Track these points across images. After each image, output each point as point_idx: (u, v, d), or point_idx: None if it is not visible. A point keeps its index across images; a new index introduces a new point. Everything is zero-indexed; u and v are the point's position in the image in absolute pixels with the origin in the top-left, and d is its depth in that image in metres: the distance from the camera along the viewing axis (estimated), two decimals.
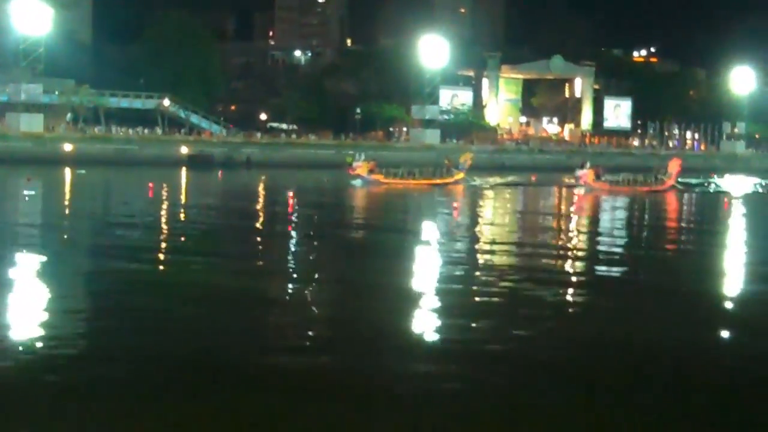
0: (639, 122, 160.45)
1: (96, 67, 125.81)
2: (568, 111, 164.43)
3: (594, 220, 47.37)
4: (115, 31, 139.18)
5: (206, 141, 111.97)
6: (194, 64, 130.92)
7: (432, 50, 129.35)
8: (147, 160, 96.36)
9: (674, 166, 77.34)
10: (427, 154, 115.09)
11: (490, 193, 68.65)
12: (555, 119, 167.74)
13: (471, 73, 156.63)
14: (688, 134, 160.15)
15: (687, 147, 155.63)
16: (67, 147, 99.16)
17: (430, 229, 39.03)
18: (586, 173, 73.42)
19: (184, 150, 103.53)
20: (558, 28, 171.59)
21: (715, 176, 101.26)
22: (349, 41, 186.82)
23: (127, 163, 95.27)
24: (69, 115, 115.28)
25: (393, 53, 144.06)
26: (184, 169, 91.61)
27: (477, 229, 40.56)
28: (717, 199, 67.72)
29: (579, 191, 70.40)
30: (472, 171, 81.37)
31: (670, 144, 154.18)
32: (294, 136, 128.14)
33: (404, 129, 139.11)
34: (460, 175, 76.99)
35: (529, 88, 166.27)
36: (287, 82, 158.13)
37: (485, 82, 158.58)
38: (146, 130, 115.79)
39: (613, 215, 51.51)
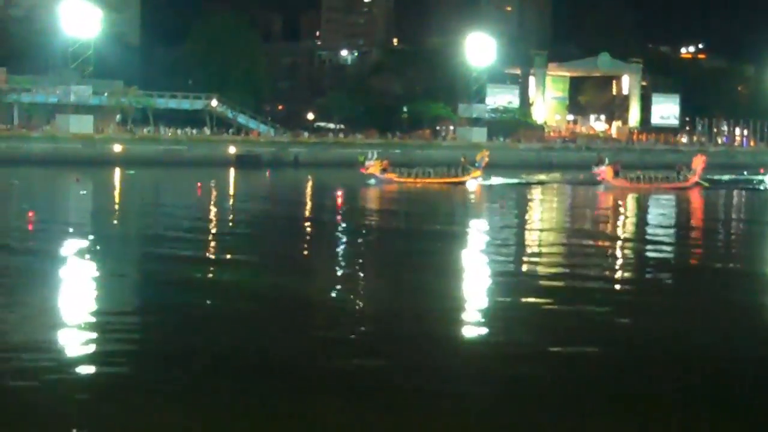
0: (687, 119, 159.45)
1: (144, 68, 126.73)
2: (616, 108, 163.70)
3: (641, 221, 46.99)
4: (163, 32, 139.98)
5: (254, 141, 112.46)
6: (241, 65, 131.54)
7: (478, 48, 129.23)
8: (195, 161, 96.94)
9: (698, 162, 74.82)
10: (469, 153, 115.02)
11: (511, 193, 67.07)
12: (602, 117, 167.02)
13: (518, 71, 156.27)
14: (737, 131, 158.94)
15: (736, 143, 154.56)
16: (117, 148, 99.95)
17: (476, 232, 39.03)
18: (604, 170, 71.12)
19: (232, 150, 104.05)
20: (605, 25, 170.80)
21: (764, 172, 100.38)
22: (395, 40, 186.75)
23: (175, 164, 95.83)
24: (118, 117, 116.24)
25: (439, 52, 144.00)
26: (232, 169, 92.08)
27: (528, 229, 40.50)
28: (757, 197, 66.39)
29: (598, 189, 68.24)
30: (501, 170, 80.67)
31: (719, 141, 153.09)
32: (341, 135, 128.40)
33: (451, 128, 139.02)
34: (477, 174, 75.15)
35: (576, 86, 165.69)
36: (334, 82, 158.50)
37: (532, 80, 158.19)
38: (194, 131, 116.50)
39: (657, 215, 51.04)
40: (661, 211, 51.67)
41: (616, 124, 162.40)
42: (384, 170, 73.05)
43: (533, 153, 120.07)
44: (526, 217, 47.59)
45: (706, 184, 73.28)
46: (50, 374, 13.84)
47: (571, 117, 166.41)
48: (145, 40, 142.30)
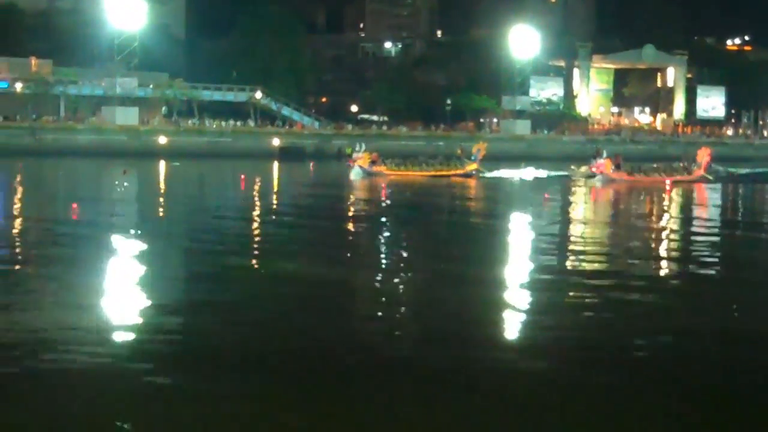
0: (733, 111, 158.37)
1: (189, 60, 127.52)
2: (660, 100, 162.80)
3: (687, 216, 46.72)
4: (208, 24, 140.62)
5: (298, 133, 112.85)
6: (285, 57, 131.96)
7: (522, 41, 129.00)
8: (239, 152, 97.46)
9: (703, 155, 72.13)
10: (518, 145, 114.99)
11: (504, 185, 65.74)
12: (647, 109, 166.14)
13: (562, 64, 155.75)
14: None
15: None
16: (162, 140, 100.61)
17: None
18: (603, 163, 68.07)
19: (276, 142, 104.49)
20: (650, 17, 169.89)
21: None
22: (439, 32, 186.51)
23: (219, 156, 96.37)
24: (163, 109, 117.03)
25: (483, 44, 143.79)
26: (275, 161, 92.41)
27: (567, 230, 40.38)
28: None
29: (595, 183, 65.96)
30: (544, 162, 79.25)
31: (765, 133, 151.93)
32: (384, 127, 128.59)
33: (494, 120, 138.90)
34: (473, 166, 72.20)
35: (620, 78, 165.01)
36: (377, 74, 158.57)
37: (576, 72, 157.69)
38: (239, 123, 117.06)
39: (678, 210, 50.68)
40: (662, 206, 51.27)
41: (661, 116, 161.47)
42: (373, 162, 70.65)
43: (577, 145, 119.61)
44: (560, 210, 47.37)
45: (711, 178, 70.81)
46: (95, 363, 14.03)
47: (615, 109, 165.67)
48: (190, 32, 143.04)
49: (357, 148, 72.27)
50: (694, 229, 37.67)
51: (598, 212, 46.36)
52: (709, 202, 54.49)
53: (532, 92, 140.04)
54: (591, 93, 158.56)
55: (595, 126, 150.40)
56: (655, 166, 72.20)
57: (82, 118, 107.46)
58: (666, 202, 52.61)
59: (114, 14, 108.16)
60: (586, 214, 44.55)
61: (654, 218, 42.31)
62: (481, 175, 71.12)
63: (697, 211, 47.97)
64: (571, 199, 54.37)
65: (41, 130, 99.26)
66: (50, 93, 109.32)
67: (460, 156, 74.02)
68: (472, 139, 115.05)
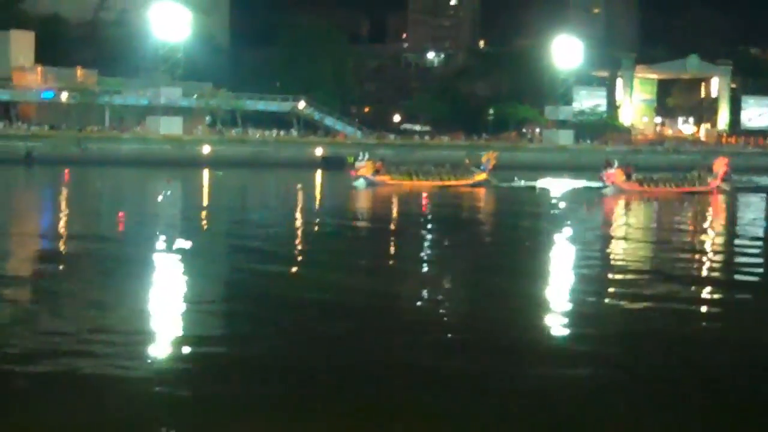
0: None
1: (233, 70, 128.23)
2: (704, 111, 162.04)
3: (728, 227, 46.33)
4: (251, 34, 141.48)
5: (340, 143, 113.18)
6: (328, 67, 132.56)
7: (566, 51, 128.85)
8: (282, 162, 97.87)
9: (720, 165, 70.05)
10: (560, 155, 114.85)
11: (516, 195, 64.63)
12: (690, 119, 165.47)
13: (605, 74, 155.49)
14: None
15: None
16: (205, 149, 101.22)
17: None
18: (614, 173, 66.01)
19: (319, 152, 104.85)
20: (694, 27, 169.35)
21: None
22: (481, 42, 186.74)
23: (263, 165, 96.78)
24: (207, 118, 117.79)
25: (526, 54, 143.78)
26: (318, 170, 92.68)
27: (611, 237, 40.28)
28: None
29: (606, 193, 64.03)
30: (587, 173, 76.78)
31: None
32: (427, 137, 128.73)
33: (537, 130, 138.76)
34: (482, 176, 70.28)
35: (664, 88, 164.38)
36: (420, 84, 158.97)
37: (619, 82, 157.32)
38: (281, 132, 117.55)
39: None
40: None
41: (705, 126, 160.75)
42: (377, 172, 68.72)
43: (620, 156, 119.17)
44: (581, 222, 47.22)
45: (727, 188, 68.81)
46: (134, 368, 14.25)
47: (658, 119, 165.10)
48: (233, 42, 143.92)
49: (360, 157, 69.88)
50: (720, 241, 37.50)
51: (629, 225, 46.19)
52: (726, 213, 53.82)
53: (575, 102, 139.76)
54: (634, 103, 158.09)
55: (639, 136, 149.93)
56: (666, 176, 70.23)
57: (126, 127, 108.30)
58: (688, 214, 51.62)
59: (159, 25, 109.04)
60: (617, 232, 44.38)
61: (682, 231, 42.11)
62: (494, 184, 69.60)
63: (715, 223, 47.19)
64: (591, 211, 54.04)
65: (86, 140, 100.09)
66: (95, 103, 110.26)
67: (468, 166, 72.65)
68: (516, 149, 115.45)
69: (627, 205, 55.04)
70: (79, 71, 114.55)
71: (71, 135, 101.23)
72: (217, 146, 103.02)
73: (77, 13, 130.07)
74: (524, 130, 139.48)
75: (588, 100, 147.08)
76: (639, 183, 67.14)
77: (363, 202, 55.50)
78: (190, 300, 20.02)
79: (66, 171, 77.10)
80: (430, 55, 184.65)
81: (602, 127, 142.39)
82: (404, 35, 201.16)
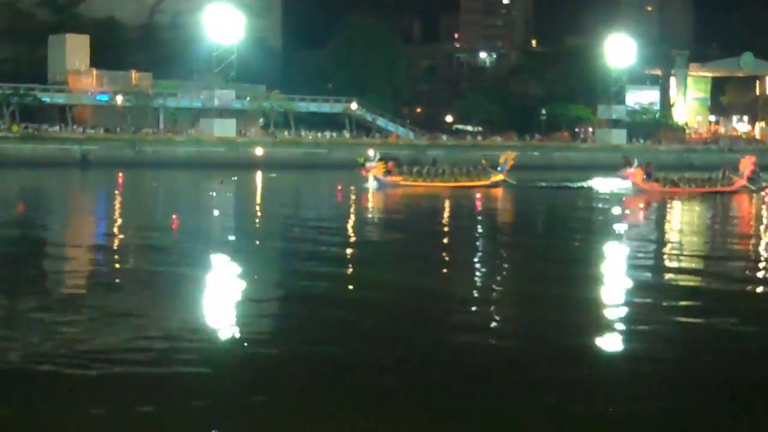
0: None
1: (286, 72, 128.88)
2: (759, 109, 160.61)
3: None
4: (304, 36, 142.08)
5: (393, 144, 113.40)
6: (381, 68, 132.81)
7: (618, 49, 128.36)
8: (335, 164, 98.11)
9: (746, 164, 67.83)
10: (613, 155, 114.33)
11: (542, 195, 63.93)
12: (745, 117, 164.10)
13: (658, 72, 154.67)
14: None
15: None
16: (259, 151, 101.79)
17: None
18: (633, 172, 64.25)
19: (371, 153, 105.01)
20: (748, 24, 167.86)
21: None
22: (534, 42, 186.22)
23: (315, 167, 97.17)
24: (261, 120, 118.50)
25: (578, 53, 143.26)
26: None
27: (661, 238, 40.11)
28: None
29: (626, 193, 62.72)
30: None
31: None
32: (479, 137, 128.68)
33: (590, 129, 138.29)
34: (499, 177, 68.50)
35: (718, 86, 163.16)
36: (472, 84, 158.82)
37: (673, 80, 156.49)
38: (334, 134, 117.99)
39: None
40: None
41: (760, 125, 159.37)
42: (388, 172, 67.06)
43: (674, 155, 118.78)
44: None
45: (753, 188, 66.16)
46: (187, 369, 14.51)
47: (713, 118, 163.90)
48: (286, 44, 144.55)
49: (371, 157, 68.62)
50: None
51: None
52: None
53: (629, 101, 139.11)
54: (688, 101, 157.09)
55: (692, 135, 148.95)
56: (687, 176, 67.84)
57: (180, 130, 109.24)
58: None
59: (212, 28, 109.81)
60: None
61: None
62: (511, 183, 68.28)
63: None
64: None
65: (141, 142, 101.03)
66: (150, 105, 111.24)
67: (485, 166, 70.52)
68: (569, 149, 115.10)
69: (648, 206, 53.70)
70: (134, 74, 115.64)
71: (126, 138, 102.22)
72: (269, 148, 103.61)
73: (132, 17, 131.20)
74: (577, 130, 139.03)
75: (641, 99, 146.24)
76: (660, 183, 65.12)
77: (409, 203, 55.55)
78: (247, 299, 20.23)
79: (120, 174, 77.81)
80: (483, 54, 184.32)
81: (655, 126, 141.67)
82: (456, 35, 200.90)
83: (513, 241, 35.35)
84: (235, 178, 73.95)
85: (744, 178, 67.03)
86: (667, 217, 47.52)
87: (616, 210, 49.40)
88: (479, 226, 41.21)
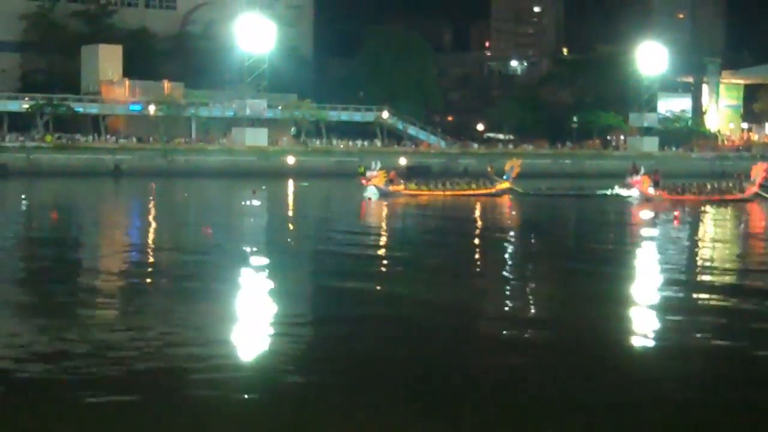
0: None
1: (317, 81, 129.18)
2: None
3: None
4: (335, 45, 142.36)
5: (424, 152, 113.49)
6: (412, 76, 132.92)
7: (650, 57, 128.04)
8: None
9: (758, 171, 66.29)
10: (645, 162, 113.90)
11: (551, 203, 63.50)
12: None
13: (690, 79, 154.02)
14: None
15: None
16: (290, 160, 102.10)
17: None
18: (639, 180, 63.56)
19: (403, 161, 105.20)
20: None
21: None
22: (565, 50, 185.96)
23: (347, 175, 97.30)
24: (292, 129, 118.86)
25: (610, 61, 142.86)
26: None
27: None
28: None
29: (633, 201, 61.62)
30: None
31: None
32: (510, 145, 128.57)
33: (622, 137, 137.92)
34: (505, 185, 68.06)
35: (750, 93, 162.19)
36: (503, 92, 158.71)
37: (705, 87, 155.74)
38: (366, 142, 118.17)
39: None
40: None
41: None
42: (390, 181, 66.85)
43: (706, 162, 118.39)
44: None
45: (767, 195, 64.73)
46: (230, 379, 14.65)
47: (745, 125, 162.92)
48: (317, 53, 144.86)
49: (373, 166, 68.03)
50: None
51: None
52: None
53: (660, 108, 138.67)
54: (720, 109, 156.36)
55: (725, 142, 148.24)
56: (697, 183, 67.21)
57: (212, 139, 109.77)
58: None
59: (244, 37, 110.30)
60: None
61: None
62: (519, 192, 67.64)
63: None
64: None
65: (173, 152, 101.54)
66: (182, 115, 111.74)
67: (490, 174, 70.60)
68: (600, 157, 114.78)
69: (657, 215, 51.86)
70: (166, 84, 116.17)
71: (158, 147, 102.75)
72: (301, 157, 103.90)
73: (164, 27, 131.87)
74: (608, 138, 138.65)
75: (673, 106, 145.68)
76: (668, 191, 64.49)
77: (442, 212, 55.64)
78: (278, 322, 20.23)
79: (153, 183, 78.25)
80: (514, 63, 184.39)
81: (688, 134, 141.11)
82: (487, 43, 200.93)
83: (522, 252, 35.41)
84: (264, 187, 73.98)
85: (756, 186, 65.87)
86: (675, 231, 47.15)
87: (626, 220, 49.37)
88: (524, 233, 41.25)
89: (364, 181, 67.40)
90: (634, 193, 63.69)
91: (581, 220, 52.49)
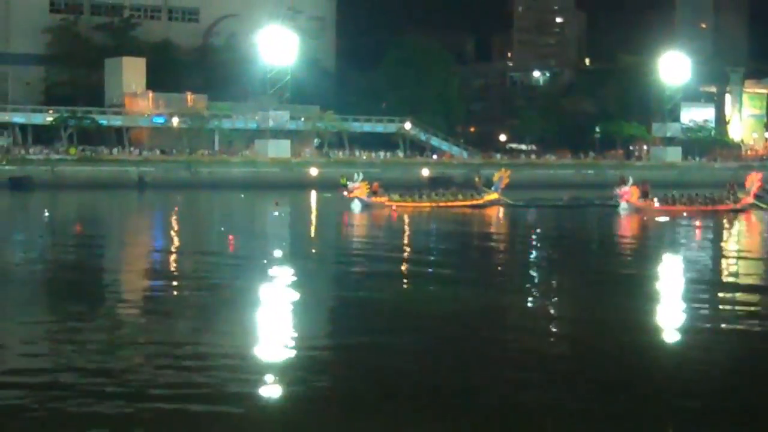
0: None
1: (340, 92, 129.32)
2: None
3: None
4: (357, 57, 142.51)
5: (446, 163, 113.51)
6: (434, 87, 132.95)
7: (673, 66, 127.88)
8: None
9: (753, 180, 65.79)
10: (669, 173, 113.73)
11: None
12: None
13: (713, 89, 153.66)
14: None
15: None
16: (313, 171, 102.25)
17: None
18: (628, 191, 62.37)
19: (425, 172, 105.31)
20: None
21: None
22: (587, 60, 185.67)
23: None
24: (315, 141, 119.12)
25: (632, 70, 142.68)
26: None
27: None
28: None
29: (620, 212, 60.95)
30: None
31: None
32: (533, 156, 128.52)
33: (644, 147, 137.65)
34: (493, 196, 66.79)
35: None
36: (526, 103, 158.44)
37: (728, 97, 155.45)
38: (388, 153, 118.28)
39: None
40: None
41: None
42: (374, 193, 65.85)
43: (730, 172, 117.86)
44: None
45: (764, 206, 63.82)
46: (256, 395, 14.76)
47: None
48: (340, 65, 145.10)
49: (355, 178, 66.83)
50: None
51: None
52: None
53: (683, 118, 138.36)
54: (743, 118, 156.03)
55: (749, 152, 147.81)
56: (689, 193, 65.94)
57: (235, 151, 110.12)
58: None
59: (266, 49, 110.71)
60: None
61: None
62: (508, 203, 66.37)
63: None
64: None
65: (197, 164, 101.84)
66: (205, 127, 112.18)
67: (478, 185, 69.42)
68: (624, 166, 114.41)
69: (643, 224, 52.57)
70: (189, 96, 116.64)
71: (182, 159, 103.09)
72: (324, 168, 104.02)
73: (187, 39, 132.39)
74: (631, 148, 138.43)
75: (696, 116, 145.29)
76: (657, 202, 63.37)
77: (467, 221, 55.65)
78: (305, 336, 20.34)
79: (177, 195, 78.49)
80: (536, 73, 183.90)
81: (711, 144, 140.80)
82: (509, 54, 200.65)
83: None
84: (276, 203, 74.22)
85: (751, 196, 65.14)
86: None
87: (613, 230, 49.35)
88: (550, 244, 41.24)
89: (345, 193, 66.38)
90: (623, 204, 62.36)
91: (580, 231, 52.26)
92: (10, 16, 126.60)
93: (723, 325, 20.59)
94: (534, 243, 42.64)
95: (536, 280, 29.05)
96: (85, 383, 15.03)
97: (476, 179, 71.03)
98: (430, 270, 31.14)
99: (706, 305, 23.56)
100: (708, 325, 20.52)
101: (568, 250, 39.77)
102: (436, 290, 26.10)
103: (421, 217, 58.17)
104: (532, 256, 37.10)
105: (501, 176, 68.64)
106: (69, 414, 13.52)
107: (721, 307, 23.72)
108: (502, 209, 64.52)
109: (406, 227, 50.89)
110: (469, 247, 41.44)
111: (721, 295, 25.47)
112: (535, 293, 26.14)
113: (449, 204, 65.19)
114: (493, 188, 67.99)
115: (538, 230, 49.66)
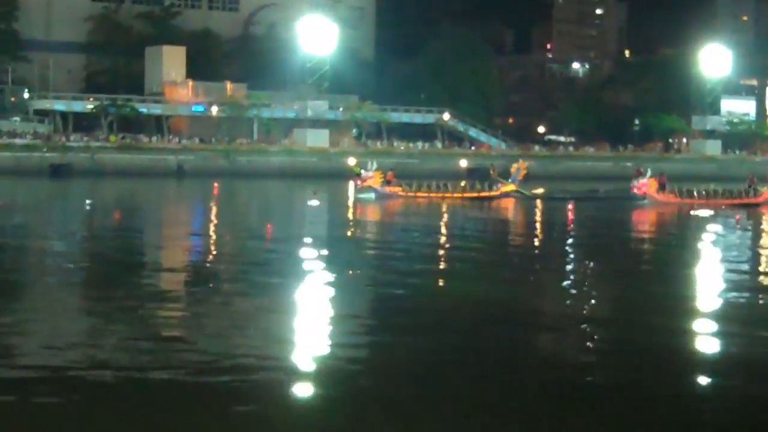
0: None
1: (378, 83, 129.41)
2: None
3: None
4: (396, 47, 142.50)
5: (485, 154, 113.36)
6: (473, 78, 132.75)
7: (713, 59, 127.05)
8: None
9: None
10: (708, 166, 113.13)
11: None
12: None
13: (754, 82, 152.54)
14: None
15: None
16: (351, 161, 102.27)
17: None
18: (646, 183, 61.93)
19: (463, 163, 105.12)
20: None
21: None
22: (627, 52, 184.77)
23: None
24: (354, 131, 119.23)
25: (673, 63, 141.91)
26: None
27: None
28: None
29: (638, 205, 60.02)
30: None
31: None
32: (571, 148, 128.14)
33: (684, 140, 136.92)
34: (510, 187, 65.44)
35: None
36: (565, 95, 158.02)
37: None
38: (426, 144, 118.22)
39: None
40: None
41: None
42: (387, 183, 64.57)
43: None
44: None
45: None
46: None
47: None
48: (379, 55, 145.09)
49: (369, 166, 65.43)
50: None
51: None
52: None
53: (723, 111, 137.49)
54: None
55: None
56: (707, 187, 64.77)
57: (274, 140, 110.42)
58: None
59: (306, 39, 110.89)
60: None
61: None
62: (523, 194, 65.08)
63: None
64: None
65: (235, 152, 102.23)
66: (244, 116, 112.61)
67: (493, 176, 68.06)
68: (663, 159, 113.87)
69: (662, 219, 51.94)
70: (229, 85, 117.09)
71: (221, 148, 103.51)
72: (362, 158, 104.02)
73: (227, 28, 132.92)
74: (671, 141, 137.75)
75: (736, 109, 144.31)
76: (676, 194, 62.78)
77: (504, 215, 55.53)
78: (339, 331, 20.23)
79: (215, 183, 78.76)
80: (575, 65, 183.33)
81: (751, 137, 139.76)
82: (549, 45, 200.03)
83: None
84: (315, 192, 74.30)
85: None
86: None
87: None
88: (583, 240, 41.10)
89: (359, 182, 65.20)
90: (640, 197, 61.82)
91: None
92: (52, 4, 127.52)
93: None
94: (562, 241, 42.53)
95: (570, 282, 29.07)
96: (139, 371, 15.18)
97: (491, 171, 69.52)
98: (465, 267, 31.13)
99: None
100: None
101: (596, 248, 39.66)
102: (474, 288, 26.07)
103: (441, 209, 56.85)
104: (566, 258, 37.00)
105: (519, 167, 67.75)
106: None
107: None
108: (517, 202, 63.14)
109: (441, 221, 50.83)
110: (504, 244, 41.32)
111: None
112: (572, 293, 26.12)
113: (464, 195, 64.43)
114: (510, 179, 66.89)
115: (555, 224, 49.26)
